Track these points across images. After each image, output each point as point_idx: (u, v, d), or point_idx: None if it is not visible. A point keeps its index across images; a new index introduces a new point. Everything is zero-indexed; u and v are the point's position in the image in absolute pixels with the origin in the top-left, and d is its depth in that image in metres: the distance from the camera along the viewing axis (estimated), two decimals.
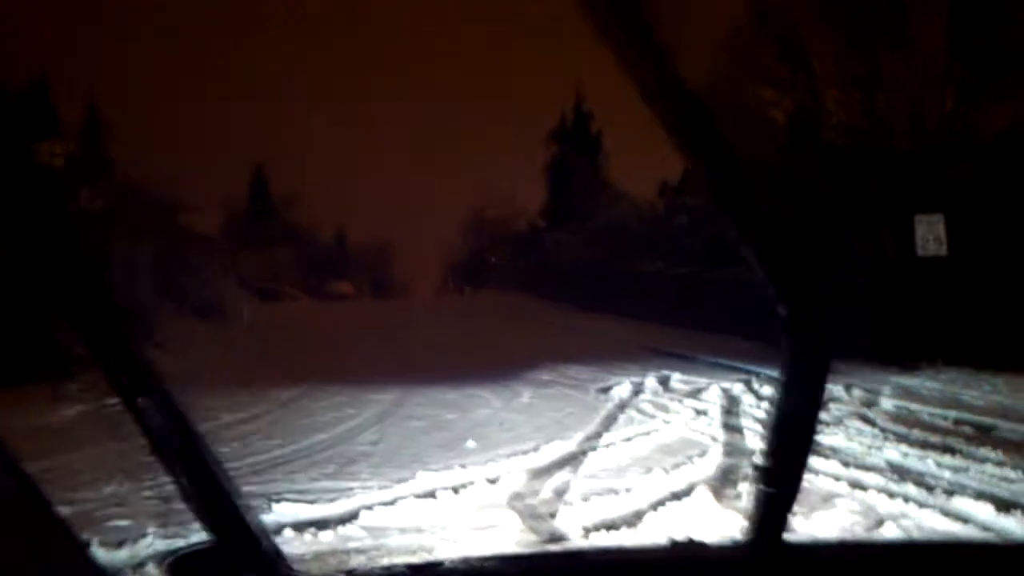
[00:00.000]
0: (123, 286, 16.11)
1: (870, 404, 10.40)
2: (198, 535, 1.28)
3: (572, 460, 7.26)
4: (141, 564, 4.20)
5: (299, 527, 5.08)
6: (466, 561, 1.40)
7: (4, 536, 1.01)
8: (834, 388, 11.52)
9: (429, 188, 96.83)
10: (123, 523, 5.16)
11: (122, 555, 4.47)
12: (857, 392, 11.24)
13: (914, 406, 10.20)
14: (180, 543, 1.33)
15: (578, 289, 32.01)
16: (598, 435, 8.46)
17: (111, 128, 30.32)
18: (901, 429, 8.61)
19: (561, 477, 6.61)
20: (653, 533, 5.06)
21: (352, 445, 8.03)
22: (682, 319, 23.04)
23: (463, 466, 6.90)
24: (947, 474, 6.52)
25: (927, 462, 6.90)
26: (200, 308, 20.94)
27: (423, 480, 6.36)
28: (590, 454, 7.49)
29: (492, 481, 6.31)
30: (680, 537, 1.70)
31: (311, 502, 5.71)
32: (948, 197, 15.20)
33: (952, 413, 9.58)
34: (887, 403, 10.46)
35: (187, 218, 28.14)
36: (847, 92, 17.60)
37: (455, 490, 6.02)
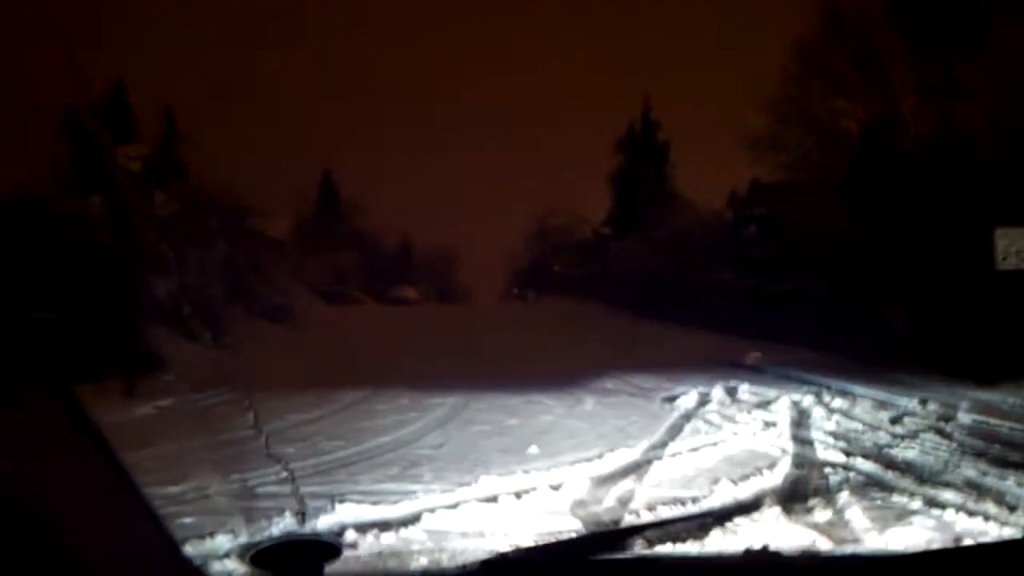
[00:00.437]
0: (194, 288, 16.50)
1: (947, 418, 10.06)
2: (267, 533, 1.29)
3: (636, 469, 7.15)
4: (218, 558, 4.25)
5: (361, 528, 5.08)
6: (532, 550, 1.44)
7: (98, 524, 1.12)
8: (910, 402, 11.21)
9: (494, 195, 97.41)
10: (190, 520, 5.22)
11: (188, 552, 4.52)
12: (933, 406, 10.89)
13: (993, 421, 9.83)
14: (252, 540, 1.32)
15: (643, 298, 31.73)
16: (663, 444, 8.32)
17: (187, 134, 31.18)
18: (979, 444, 8.30)
19: (625, 486, 6.51)
20: (720, 545, 4.93)
21: (415, 448, 8.04)
22: (750, 330, 22.67)
23: (526, 472, 6.83)
24: None
25: (1008, 481, 6.62)
26: (269, 310, 21.32)
27: (485, 485, 6.31)
28: (655, 463, 7.36)
29: (555, 488, 6.24)
30: (755, 546, 1.66)
31: (374, 503, 5.71)
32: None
33: None
34: (964, 417, 10.10)
35: (257, 222, 28.79)
36: (923, 101, 17.12)
37: (517, 495, 5.96)
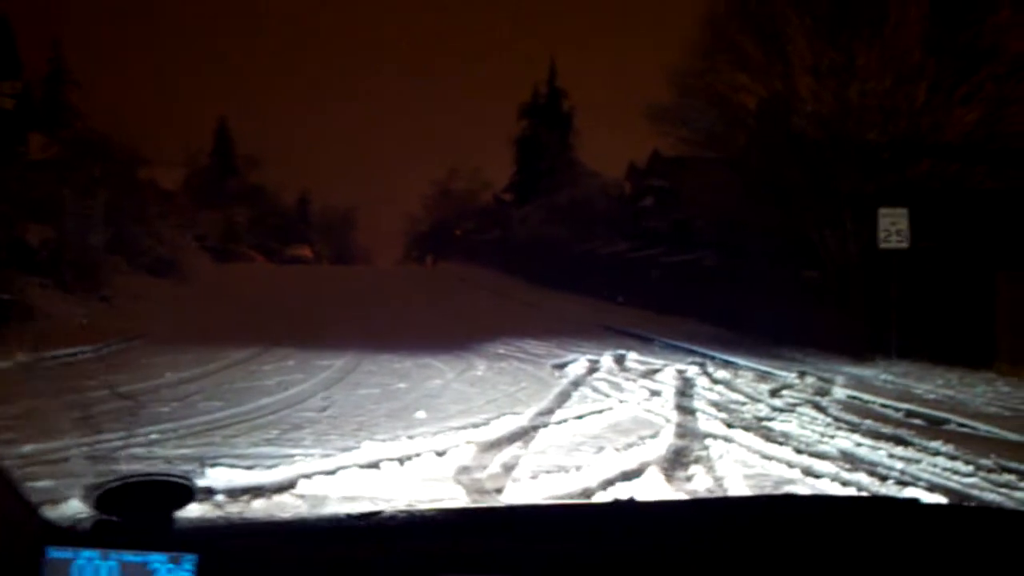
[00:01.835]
0: (72, 237, 15.58)
1: (823, 393, 10.39)
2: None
3: (523, 435, 7.10)
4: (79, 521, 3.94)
5: (232, 493, 4.84)
6: (407, 512, 1.39)
7: None
8: (788, 375, 11.55)
9: (397, 158, 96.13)
10: (44, 484, 4.85)
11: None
12: (810, 380, 11.26)
13: (866, 396, 10.19)
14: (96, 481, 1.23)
15: (541, 265, 31.90)
16: (551, 411, 8.32)
17: (75, 77, 29.53)
18: (853, 419, 8.58)
19: (511, 452, 6.46)
20: None
21: (298, 411, 7.78)
22: (641, 300, 23.04)
23: (411, 437, 6.70)
24: (899, 465, 6.47)
25: (879, 452, 6.86)
26: (152, 264, 20.42)
27: (368, 450, 6.13)
28: (541, 430, 7.34)
29: (440, 454, 6.12)
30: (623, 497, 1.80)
31: (248, 468, 5.45)
32: (910, 192, 15.20)
33: (904, 405, 9.55)
34: (839, 392, 10.46)
35: (148, 172, 27.60)
36: (821, 81, 17.49)
37: (400, 461, 5.79)
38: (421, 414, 7.84)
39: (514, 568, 1.22)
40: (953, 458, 6.70)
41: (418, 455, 6.03)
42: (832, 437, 7.51)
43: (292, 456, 5.88)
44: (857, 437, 7.52)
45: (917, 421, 8.72)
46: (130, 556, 1.15)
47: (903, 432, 7.88)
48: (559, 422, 7.78)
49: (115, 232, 18.21)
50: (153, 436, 6.14)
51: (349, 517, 1.37)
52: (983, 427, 8.37)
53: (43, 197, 15.15)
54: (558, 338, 14.63)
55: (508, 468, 5.94)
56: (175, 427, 6.60)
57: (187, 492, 1.23)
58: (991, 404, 10.11)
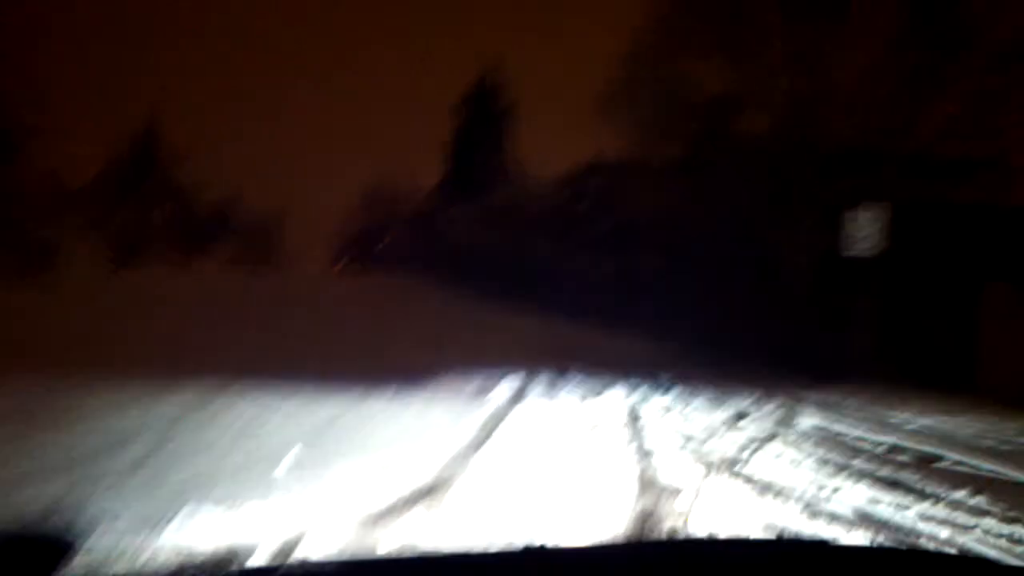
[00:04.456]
0: None
1: (788, 422, 8.91)
2: None
3: (425, 496, 5.06)
4: None
5: None
6: (304, 565, 1.45)
7: None
8: (744, 400, 10.12)
9: (326, 160, 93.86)
10: None
11: None
12: (771, 405, 9.86)
13: (838, 428, 8.79)
14: None
15: (471, 274, 30.17)
16: (466, 457, 6.28)
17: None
18: (836, 458, 7.07)
19: (408, 522, 4.43)
20: None
21: (100, 461, 5.40)
22: (577, 311, 21.47)
23: (263, 498, 4.54)
24: (944, 533, 4.99)
25: (907, 514, 5.30)
26: (17, 265, 17.68)
27: (174, 531, 3.96)
28: (453, 487, 5.31)
29: (286, 547, 3.87)
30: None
31: None
32: (877, 197, 13.87)
33: (886, 439, 8.24)
34: (806, 422, 9.03)
35: (54, 159, 25.16)
36: (779, 72, 16.02)
37: (215, 566, 3.60)
38: (283, 468, 5.65)
39: None
40: (1009, 520, 5.28)
41: (250, 549, 3.81)
42: (835, 490, 5.86)
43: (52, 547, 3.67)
44: (863, 488, 5.99)
45: (904, 458, 7.31)
46: None
47: (906, 476, 6.47)
48: (477, 472, 5.76)
49: None
50: None
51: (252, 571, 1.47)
52: (986, 465, 7.18)
53: None
54: (482, 358, 12.49)
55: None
56: None
57: (66, 550, 1.19)
58: (984, 436, 8.86)
